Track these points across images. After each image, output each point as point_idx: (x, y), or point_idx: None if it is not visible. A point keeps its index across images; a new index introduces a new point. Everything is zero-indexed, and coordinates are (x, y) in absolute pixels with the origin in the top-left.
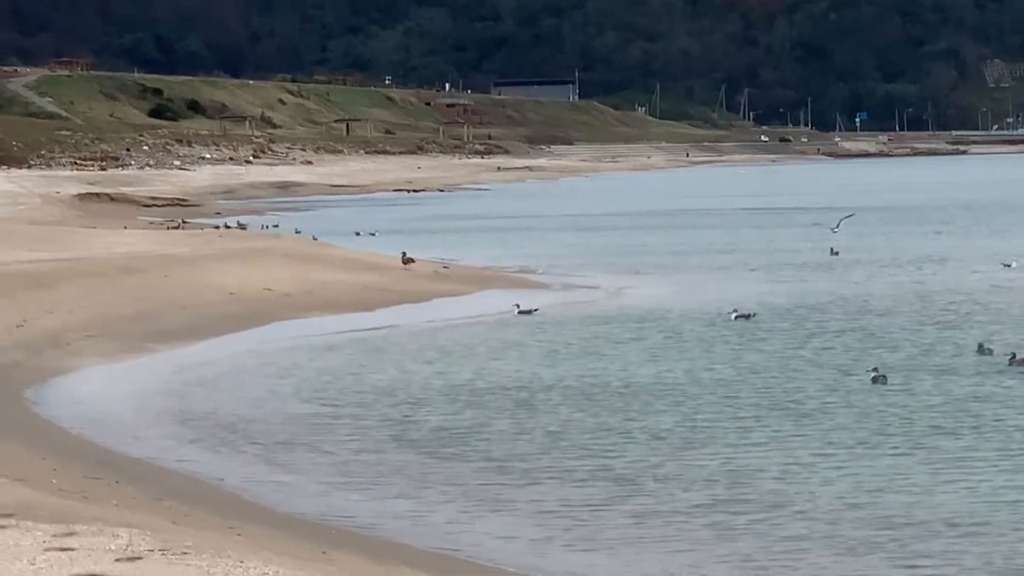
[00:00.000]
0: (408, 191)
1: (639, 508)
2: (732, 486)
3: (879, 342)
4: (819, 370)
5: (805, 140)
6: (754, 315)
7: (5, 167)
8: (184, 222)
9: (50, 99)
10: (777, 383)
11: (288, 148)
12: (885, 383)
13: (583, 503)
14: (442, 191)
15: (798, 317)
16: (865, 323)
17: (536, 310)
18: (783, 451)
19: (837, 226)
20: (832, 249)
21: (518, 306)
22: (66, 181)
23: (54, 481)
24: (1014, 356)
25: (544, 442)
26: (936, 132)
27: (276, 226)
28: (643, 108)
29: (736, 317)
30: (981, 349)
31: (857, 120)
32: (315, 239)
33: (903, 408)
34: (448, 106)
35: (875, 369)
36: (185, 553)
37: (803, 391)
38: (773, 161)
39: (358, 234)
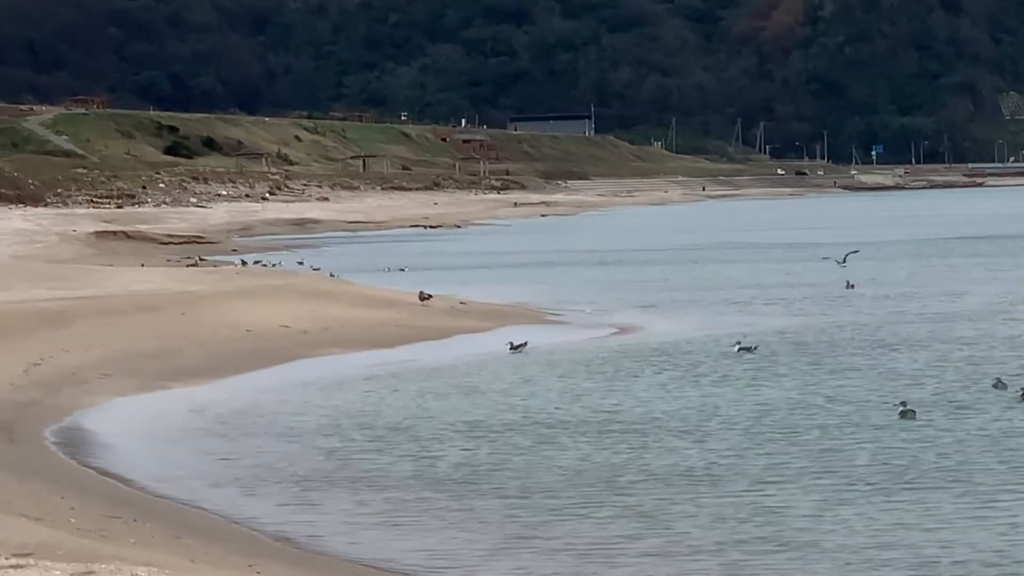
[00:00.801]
0: (425, 227)
1: (659, 546)
2: (764, 524)
3: (895, 376)
4: (841, 405)
5: (821, 173)
6: (756, 348)
7: (22, 205)
8: (201, 259)
9: (66, 137)
10: (799, 418)
11: (304, 185)
12: (914, 418)
13: (602, 540)
14: (458, 227)
15: (814, 352)
16: (880, 357)
17: (525, 344)
18: (814, 489)
19: (844, 260)
20: (848, 283)
21: (511, 343)
22: (82, 219)
23: (72, 520)
24: None
25: (563, 478)
26: (952, 165)
27: (301, 263)
28: (659, 142)
29: (739, 350)
30: (997, 384)
31: (873, 153)
32: (332, 275)
33: (937, 443)
34: (464, 142)
35: (903, 404)
36: None
37: (827, 426)
38: (792, 194)
39: (388, 270)
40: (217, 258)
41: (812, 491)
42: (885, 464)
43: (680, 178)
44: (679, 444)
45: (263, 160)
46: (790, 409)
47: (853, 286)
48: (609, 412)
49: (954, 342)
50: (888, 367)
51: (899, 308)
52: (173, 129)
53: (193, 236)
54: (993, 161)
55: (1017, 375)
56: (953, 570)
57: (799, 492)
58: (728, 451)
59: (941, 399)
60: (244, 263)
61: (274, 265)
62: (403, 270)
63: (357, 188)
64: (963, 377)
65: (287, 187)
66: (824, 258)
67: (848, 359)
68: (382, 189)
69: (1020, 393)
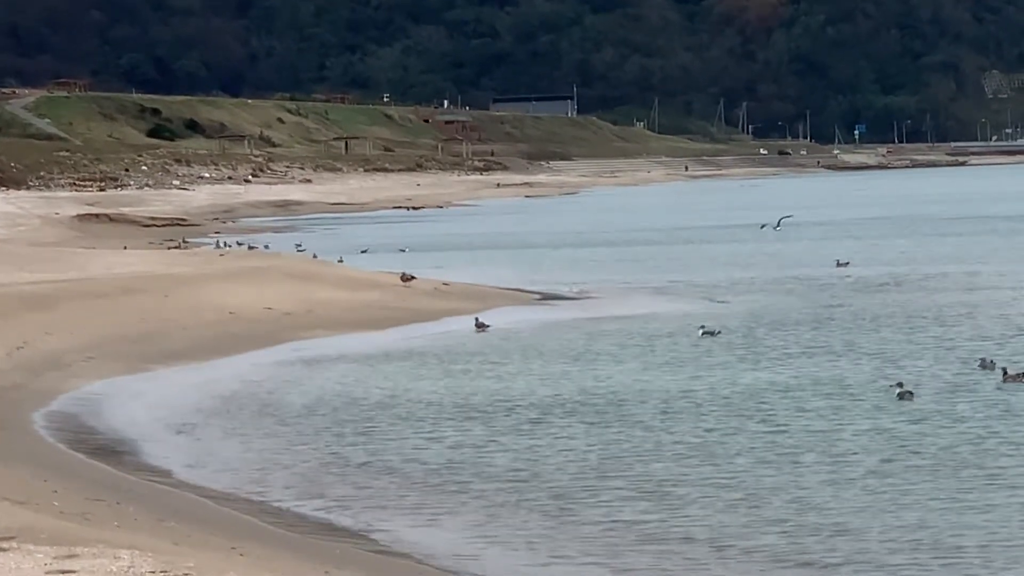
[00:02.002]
0: (408, 208)
1: (659, 530)
2: (798, 511)
3: (884, 358)
4: (835, 387)
5: (804, 153)
6: (719, 332)
7: (4, 188)
8: (185, 241)
9: (49, 120)
10: (793, 401)
11: (287, 167)
12: (912, 400)
13: (606, 524)
14: (441, 208)
15: (800, 331)
16: (870, 337)
17: (489, 326)
18: (821, 473)
19: (778, 224)
20: (839, 261)
21: (477, 319)
22: (65, 202)
23: (55, 503)
24: (1005, 372)
25: (556, 460)
26: (935, 144)
27: (299, 245)
28: (642, 123)
29: (703, 334)
30: (984, 364)
31: (856, 132)
32: (315, 256)
33: (939, 426)
34: (447, 123)
35: (899, 384)
36: (187, 574)
37: (822, 409)
38: (774, 174)
39: (364, 251)
40: (200, 240)
41: (823, 474)
42: (892, 446)
43: (663, 158)
44: (679, 427)
45: (246, 142)
46: (783, 391)
47: (847, 263)
48: (583, 392)
49: (940, 319)
50: (878, 348)
51: (888, 287)
52: (156, 112)
53: (176, 218)
54: (975, 140)
55: (1003, 354)
56: (977, 552)
57: (809, 475)
58: (725, 434)
59: (932, 380)
60: (227, 244)
61: (265, 247)
62: (403, 251)
63: (340, 170)
64: (953, 357)
65: (270, 169)
66: (762, 226)
67: (836, 338)
68: (365, 171)
69: (1003, 374)
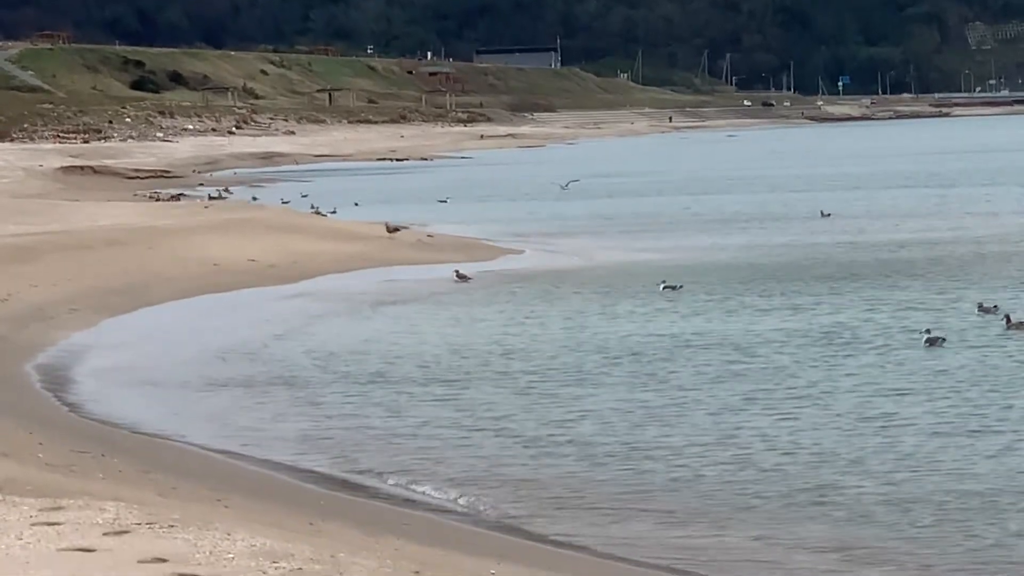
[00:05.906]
0: (392, 160)
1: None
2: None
3: (882, 305)
4: (857, 335)
5: (788, 104)
6: (681, 287)
7: None
8: (174, 196)
9: (32, 72)
10: (822, 352)
11: (271, 119)
12: (943, 345)
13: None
14: (425, 160)
15: (794, 283)
16: (862, 285)
17: (471, 278)
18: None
19: (566, 185)
20: (823, 212)
21: (457, 272)
22: (49, 154)
23: (40, 455)
24: (1008, 319)
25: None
26: (919, 95)
27: (305, 196)
28: (625, 75)
29: (664, 288)
30: (982, 308)
31: (840, 84)
32: (314, 207)
33: (977, 371)
34: (430, 75)
35: (927, 331)
36: (172, 526)
37: (858, 357)
38: (758, 125)
39: (355, 205)
40: (185, 192)
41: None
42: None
43: (647, 110)
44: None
45: (229, 94)
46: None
47: (829, 215)
48: (561, 340)
49: (936, 268)
50: (873, 295)
51: (873, 236)
52: (139, 64)
53: (160, 170)
54: (959, 91)
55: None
56: None
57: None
58: (777, 395)
59: (938, 326)
60: (211, 195)
61: (253, 199)
62: (444, 201)
63: (323, 122)
64: (944, 301)
65: (253, 121)
66: (552, 183)
67: (841, 288)
68: (348, 123)
69: (1004, 321)
